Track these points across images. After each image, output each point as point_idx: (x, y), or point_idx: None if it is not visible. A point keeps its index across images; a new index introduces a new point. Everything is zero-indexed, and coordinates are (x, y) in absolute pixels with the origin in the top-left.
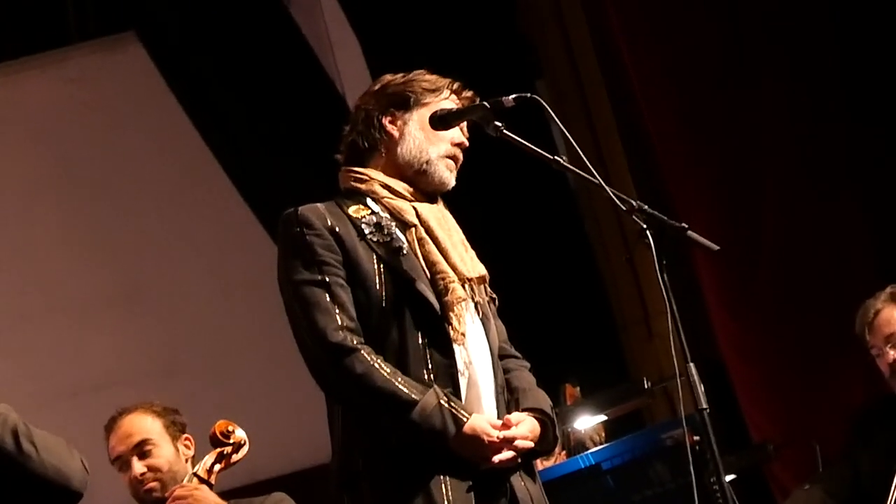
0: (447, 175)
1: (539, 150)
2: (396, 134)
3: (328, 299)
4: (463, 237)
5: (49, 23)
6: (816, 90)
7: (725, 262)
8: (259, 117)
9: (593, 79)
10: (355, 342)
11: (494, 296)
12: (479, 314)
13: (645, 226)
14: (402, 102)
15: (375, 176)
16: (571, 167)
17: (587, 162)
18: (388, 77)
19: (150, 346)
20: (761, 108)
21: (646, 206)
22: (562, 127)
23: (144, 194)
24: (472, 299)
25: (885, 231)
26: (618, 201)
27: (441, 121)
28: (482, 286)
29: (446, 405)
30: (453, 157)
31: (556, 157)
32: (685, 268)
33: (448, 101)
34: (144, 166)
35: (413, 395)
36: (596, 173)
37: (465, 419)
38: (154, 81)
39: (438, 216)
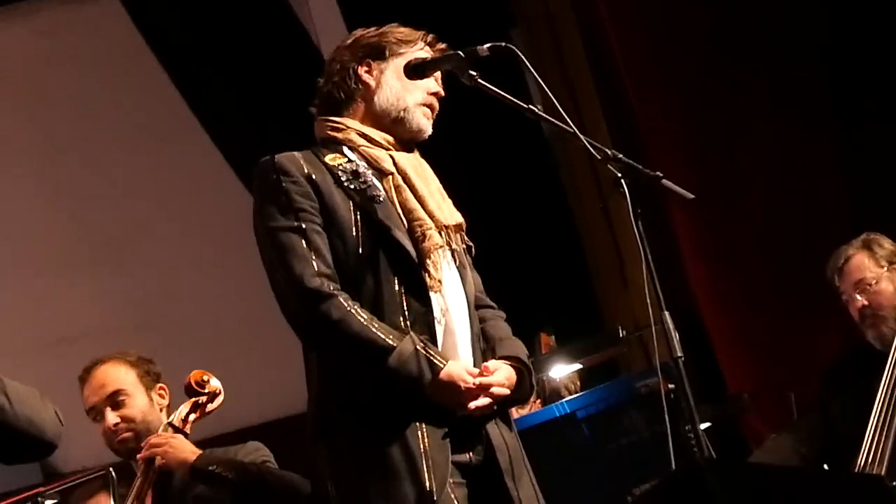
0: (424, 122)
1: (513, 99)
2: (373, 83)
3: (305, 246)
4: (440, 186)
5: None
6: (798, 45)
7: (700, 211)
8: (234, 69)
9: (568, 28)
10: (332, 288)
11: (471, 244)
12: (455, 262)
13: (620, 174)
14: (378, 53)
15: (352, 125)
16: (546, 116)
17: (562, 111)
18: (362, 31)
19: (125, 299)
20: (739, 58)
21: (620, 155)
22: (536, 76)
23: (118, 148)
24: (449, 247)
25: (863, 181)
26: (592, 150)
27: (416, 70)
28: (459, 234)
29: (423, 351)
30: (429, 106)
31: (530, 106)
32: (660, 217)
33: (422, 52)
34: (118, 120)
35: (389, 341)
36: (570, 122)
37: (441, 365)
38: (127, 33)
39: (415, 164)
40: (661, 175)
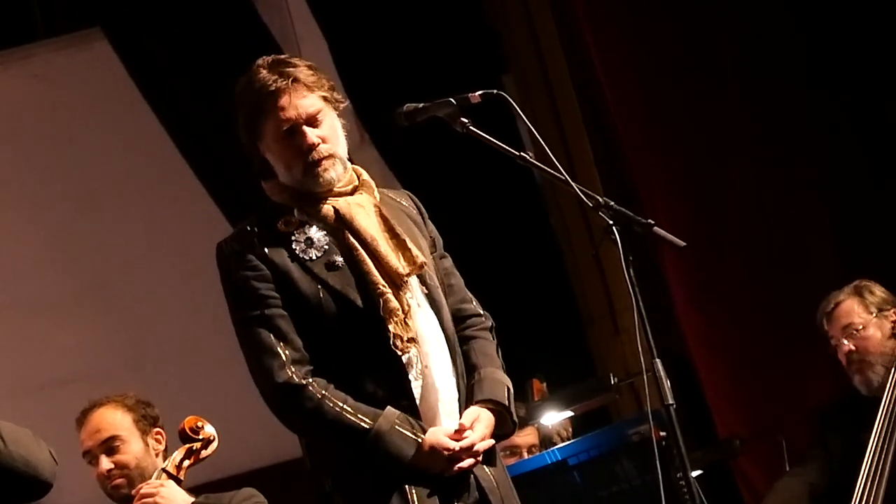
0: (322, 181)
1: (505, 147)
2: (271, 160)
3: (271, 337)
4: (394, 221)
5: (15, 19)
6: (783, 83)
7: (691, 257)
8: (225, 114)
9: (560, 73)
10: (301, 378)
11: (445, 254)
12: (429, 302)
13: (611, 222)
14: (254, 133)
15: (288, 189)
16: (538, 163)
17: (553, 158)
18: (236, 89)
19: (116, 342)
20: (727, 102)
21: (612, 203)
22: (528, 124)
23: (110, 190)
24: (420, 288)
25: (851, 223)
26: (584, 197)
27: (408, 118)
28: (425, 270)
29: (399, 428)
30: (316, 163)
31: (522, 153)
32: (651, 263)
33: (280, 113)
34: (109, 163)
35: (364, 425)
36: (562, 169)
37: (419, 440)
38: (120, 78)
39: (362, 210)
40: (652, 222)
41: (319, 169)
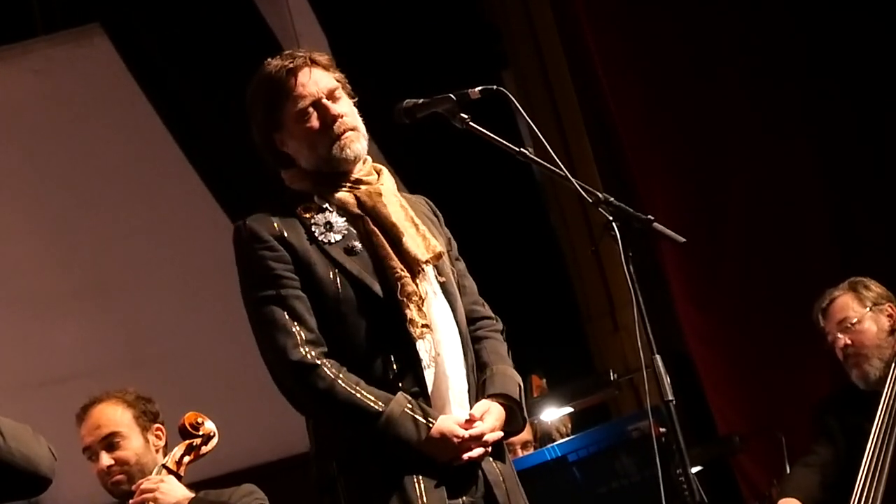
0: (349, 153)
1: (504, 142)
2: (290, 151)
3: (286, 316)
4: (413, 213)
5: (14, 15)
6: (783, 83)
7: (691, 253)
8: (225, 110)
9: (559, 69)
10: (315, 357)
11: (459, 257)
12: (443, 292)
13: (611, 218)
14: (273, 123)
15: (309, 175)
16: (537, 159)
17: (553, 153)
18: (249, 89)
19: (116, 338)
20: (727, 99)
21: (612, 198)
22: (528, 119)
23: (109, 186)
24: (436, 277)
25: (850, 223)
26: (584, 193)
27: (407, 114)
28: (442, 260)
29: (410, 413)
30: (340, 135)
31: (521, 149)
32: (651, 260)
33: (300, 90)
34: (109, 158)
35: (376, 407)
36: (562, 165)
37: (430, 425)
38: (119, 73)
39: (383, 198)
40: (652, 218)
41: (345, 140)
